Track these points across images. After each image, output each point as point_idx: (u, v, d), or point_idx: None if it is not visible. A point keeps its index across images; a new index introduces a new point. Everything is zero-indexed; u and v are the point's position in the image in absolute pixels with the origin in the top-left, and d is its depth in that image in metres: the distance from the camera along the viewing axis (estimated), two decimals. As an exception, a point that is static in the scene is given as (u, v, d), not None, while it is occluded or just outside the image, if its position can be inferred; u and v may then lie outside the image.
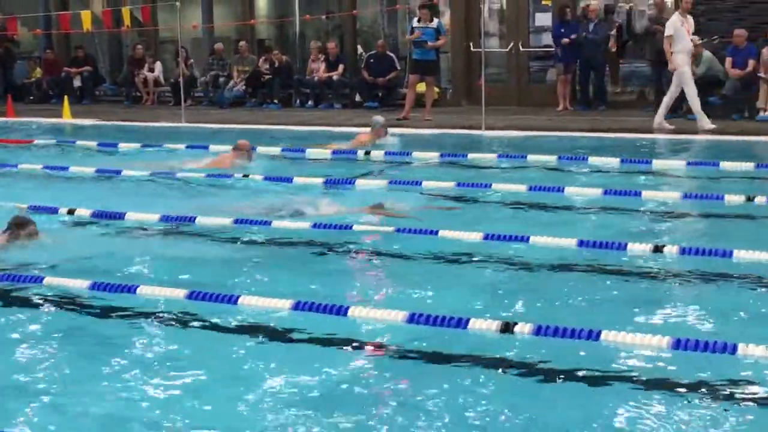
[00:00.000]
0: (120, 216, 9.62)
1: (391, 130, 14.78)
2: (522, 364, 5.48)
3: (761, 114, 16.70)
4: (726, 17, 18.32)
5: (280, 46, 22.51)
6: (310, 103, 21.00)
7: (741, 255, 7.50)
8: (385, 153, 13.67)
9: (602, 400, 4.95)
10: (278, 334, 6.12)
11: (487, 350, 5.70)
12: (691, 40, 16.07)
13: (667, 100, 15.93)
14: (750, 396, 4.88)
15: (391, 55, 19.87)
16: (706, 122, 15.54)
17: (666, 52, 15.78)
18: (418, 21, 18.20)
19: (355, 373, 5.45)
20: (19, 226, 8.46)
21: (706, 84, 17.22)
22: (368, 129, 14.82)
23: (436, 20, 18.53)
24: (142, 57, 22.94)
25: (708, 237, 8.90)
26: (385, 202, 9.88)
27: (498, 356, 5.61)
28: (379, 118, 14.96)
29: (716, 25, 18.29)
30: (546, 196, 10.49)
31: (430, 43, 17.88)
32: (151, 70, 22.69)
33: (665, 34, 15.80)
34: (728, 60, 17.29)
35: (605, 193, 10.41)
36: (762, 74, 16.89)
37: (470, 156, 13.36)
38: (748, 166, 12.00)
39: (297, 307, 6.39)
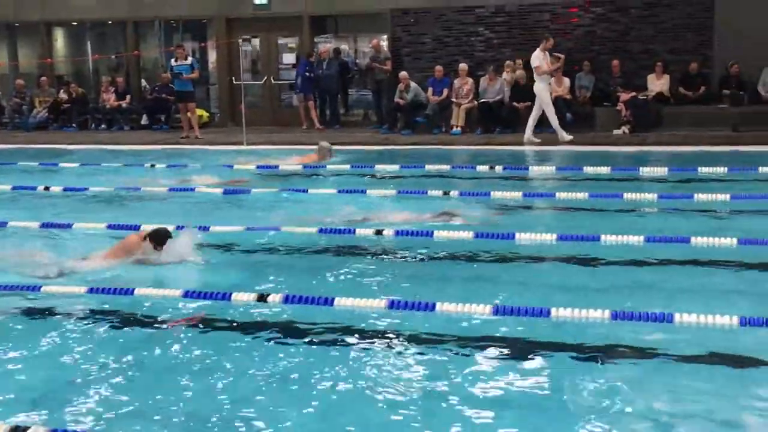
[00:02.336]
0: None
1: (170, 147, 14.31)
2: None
3: (454, 129, 17.22)
4: (426, 56, 18.84)
5: (76, 79, 21.52)
6: (103, 126, 20.10)
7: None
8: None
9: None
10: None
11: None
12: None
13: (531, 120, 15.51)
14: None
15: (172, 86, 19.26)
16: (564, 135, 15.26)
17: (538, 77, 15.21)
18: (175, 60, 17.68)
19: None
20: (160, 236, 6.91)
21: (414, 107, 17.64)
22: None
23: (190, 58, 18.07)
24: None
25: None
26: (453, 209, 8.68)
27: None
28: (325, 144, 13.37)
29: (419, 63, 18.80)
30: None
31: (185, 76, 17.39)
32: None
33: (534, 65, 15.26)
34: (429, 89, 17.74)
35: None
36: (454, 99, 17.41)
37: (236, 166, 12.98)
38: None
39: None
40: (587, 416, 4.02)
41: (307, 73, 18.49)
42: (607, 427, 3.91)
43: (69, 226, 8.38)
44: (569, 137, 15.18)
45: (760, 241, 7.03)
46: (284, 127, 18.80)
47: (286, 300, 5.77)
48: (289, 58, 20.10)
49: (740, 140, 14.50)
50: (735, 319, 5.16)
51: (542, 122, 15.50)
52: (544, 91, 15.23)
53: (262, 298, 5.79)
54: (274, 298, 5.79)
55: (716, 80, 17.10)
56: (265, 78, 20.02)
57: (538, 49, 15.28)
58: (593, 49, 17.91)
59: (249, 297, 5.84)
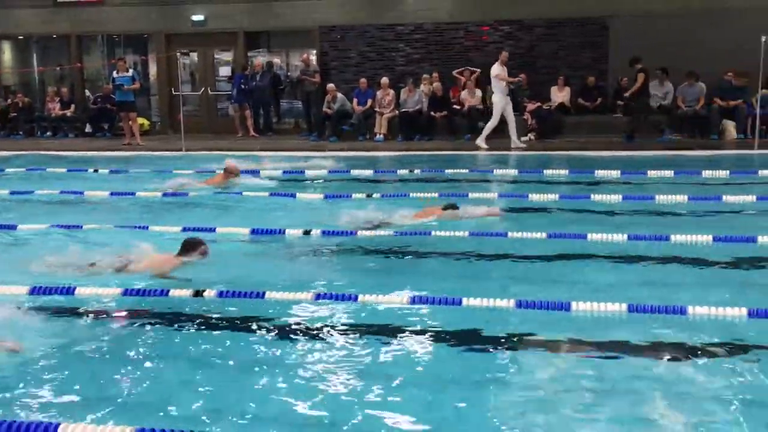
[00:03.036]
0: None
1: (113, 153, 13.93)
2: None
3: (377, 136, 17.27)
4: (351, 70, 18.86)
5: (23, 90, 20.92)
6: (48, 133, 19.57)
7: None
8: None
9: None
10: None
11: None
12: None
13: (488, 127, 15.41)
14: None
15: (113, 96, 18.84)
16: (518, 142, 15.33)
17: (497, 86, 15.14)
18: (117, 72, 17.38)
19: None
20: (192, 247, 6.63)
21: (340, 116, 17.64)
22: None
23: (131, 70, 17.80)
24: None
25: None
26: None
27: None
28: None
29: (346, 76, 18.81)
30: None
31: (126, 87, 17.11)
32: None
33: (494, 74, 15.17)
34: (355, 100, 17.75)
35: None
36: (377, 109, 17.47)
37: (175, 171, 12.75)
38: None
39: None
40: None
41: (242, 85, 18.34)
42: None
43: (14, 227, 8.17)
44: (523, 144, 15.36)
45: (648, 236, 7.23)
46: (221, 135, 18.57)
47: (221, 294, 5.73)
48: (225, 71, 19.94)
49: (632, 146, 14.92)
50: (624, 306, 5.30)
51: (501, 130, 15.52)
52: (499, 102, 15.32)
53: (198, 293, 5.73)
54: (210, 293, 5.73)
55: (611, 92, 17.53)
56: (203, 89, 19.76)
57: (497, 62, 15.38)
58: (502, 64, 18.15)
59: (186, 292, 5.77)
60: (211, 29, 19.39)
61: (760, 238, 7.02)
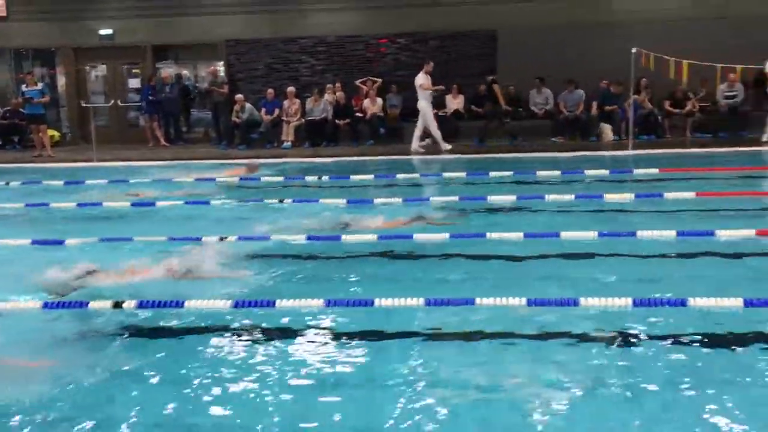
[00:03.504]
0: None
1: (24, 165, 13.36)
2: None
3: (285, 143, 17.12)
4: (258, 81, 18.66)
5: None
6: (-41, 146, 18.63)
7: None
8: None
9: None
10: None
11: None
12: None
13: (417, 132, 15.51)
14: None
15: (23, 110, 18.05)
16: (444, 146, 15.35)
17: (422, 94, 15.32)
18: (26, 85, 16.72)
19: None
20: None
21: (249, 125, 17.41)
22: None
23: (40, 84, 17.18)
24: None
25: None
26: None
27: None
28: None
29: (253, 87, 18.59)
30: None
31: (35, 100, 16.46)
32: None
33: (419, 83, 15.29)
34: (263, 109, 17.57)
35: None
36: (284, 118, 17.33)
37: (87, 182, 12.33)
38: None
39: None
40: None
41: (151, 96, 17.91)
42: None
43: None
44: (449, 146, 15.42)
45: (540, 234, 7.38)
46: (132, 145, 18.07)
47: (140, 305, 5.55)
48: (134, 83, 19.37)
49: (520, 149, 15.29)
50: (524, 300, 5.38)
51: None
52: (426, 107, 15.40)
53: (118, 305, 5.54)
54: (129, 304, 5.55)
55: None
56: (113, 101, 19.20)
57: (421, 72, 15.46)
58: (400, 73, 18.29)
59: (106, 304, 5.56)
60: (119, 43, 18.85)
61: (639, 233, 7.27)
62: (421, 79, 15.41)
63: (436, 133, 15.58)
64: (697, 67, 14.74)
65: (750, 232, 7.07)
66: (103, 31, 18.67)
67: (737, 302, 5.21)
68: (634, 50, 14.11)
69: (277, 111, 17.43)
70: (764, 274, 6.19)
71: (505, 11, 17.81)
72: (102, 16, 18.80)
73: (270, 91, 17.60)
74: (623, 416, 3.78)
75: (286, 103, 17.37)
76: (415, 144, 15.55)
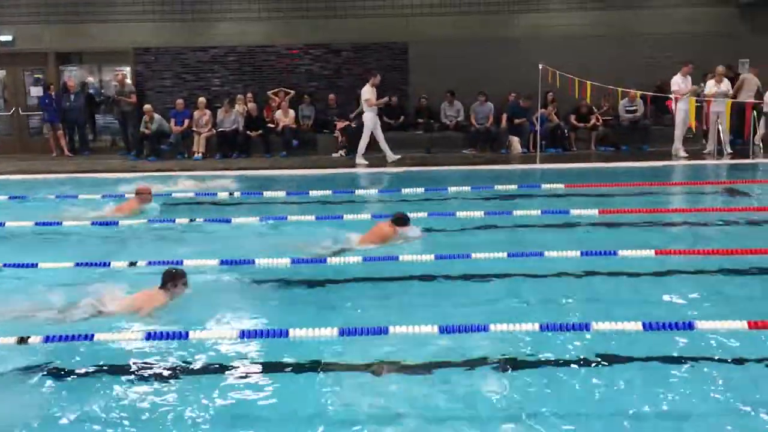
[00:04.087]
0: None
1: None
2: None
3: (196, 155, 16.83)
4: (168, 90, 18.34)
5: None
6: None
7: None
8: None
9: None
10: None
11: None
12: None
13: (361, 144, 15.30)
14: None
15: None
16: (391, 156, 15.30)
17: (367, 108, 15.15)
18: None
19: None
20: (175, 278, 6.18)
21: (158, 136, 17.07)
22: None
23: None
24: None
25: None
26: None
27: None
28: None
29: (162, 97, 18.24)
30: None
31: None
32: None
33: (365, 98, 15.11)
34: (172, 120, 17.26)
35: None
36: (195, 129, 17.05)
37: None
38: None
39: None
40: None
41: (54, 105, 17.36)
42: None
43: None
44: (397, 157, 15.39)
45: (448, 255, 7.46)
46: (35, 155, 17.45)
47: (47, 340, 5.39)
48: (36, 91, 18.64)
49: (433, 161, 15.50)
50: (435, 328, 5.46)
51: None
52: (370, 120, 15.31)
53: (22, 340, 5.36)
54: (35, 339, 5.38)
55: (412, 111, 18.12)
56: (13, 109, 18.49)
57: (367, 84, 15.36)
58: (312, 84, 18.31)
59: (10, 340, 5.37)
60: (20, 49, 18.17)
61: (546, 253, 7.46)
62: (367, 94, 15.37)
63: (384, 144, 15.55)
64: (597, 81, 15.30)
65: (650, 252, 7.37)
66: (2, 37, 17.97)
67: (637, 326, 5.40)
68: (540, 66, 14.52)
69: (187, 122, 17.15)
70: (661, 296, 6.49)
71: (416, 24, 18.07)
72: (3, 21, 18.08)
73: (180, 101, 17.32)
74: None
75: (196, 113, 17.11)
76: (359, 157, 15.45)
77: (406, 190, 11.50)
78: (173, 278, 6.21)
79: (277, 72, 18.36)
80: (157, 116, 16.96)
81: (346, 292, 6.71)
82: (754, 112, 15.42)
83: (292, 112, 17.33)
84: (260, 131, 17.08)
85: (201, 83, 18.30)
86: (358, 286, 6.82)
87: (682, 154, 15.24)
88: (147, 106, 16.99)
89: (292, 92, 17.49)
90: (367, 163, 15.27)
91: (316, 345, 5.28)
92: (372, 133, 15.42)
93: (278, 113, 17.32)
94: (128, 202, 10.54)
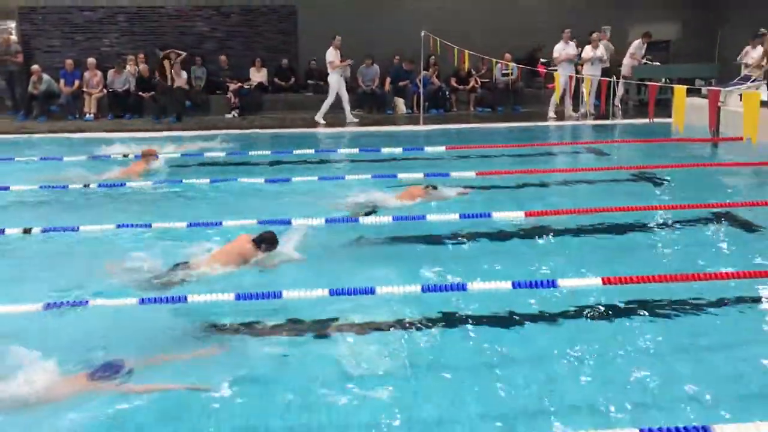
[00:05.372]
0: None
1: None
2: None
3: (87, 115, 16.11)
4: (57, 50, 17.41)
5: None
6: None
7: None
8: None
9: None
10: None
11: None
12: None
13: (325, 104, 15.07)
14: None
15: None
16: (350, 118, 15.25)
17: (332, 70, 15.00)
18: None
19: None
20: (272, 244, 6.08)
21: (48, 96, 16.23)
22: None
23: None
24: None
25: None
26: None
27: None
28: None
29: (52, 57, 17.30)
30: None
31: None
32: None
33: (329, 60, 14.92)
34: (62, 80, 16.44)
35: None
36: (85, 89, 16.34)
37: None
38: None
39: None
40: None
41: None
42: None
43: None
44: (356, 119, 15.33)
45: (338, 219, 7.53)
46: None
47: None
48: None
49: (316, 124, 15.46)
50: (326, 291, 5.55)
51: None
52: (335, 81, 15.04)
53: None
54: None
55: (303, 74, 17.94)
56: None
57: (330, 47, 15.02)
58: (204, 46, 17.82)
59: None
60: None
61: (428, 216, 7.63)
62: (331, 56, 15.07)
63: (346, 105, 15.41)
64: (478, 48, 15.58)
65: (520, 214, 7.67)
66: None
67: (507, 285, 5.62)
68: (423, 33, 14.63)
69: (77, 82, 16.39)
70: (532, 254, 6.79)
71: (305, -12, 17.79)
72: None
73: (69, 61, 16.49)
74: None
75: (87, 74, 16.36)
76: (348, 114, 15.41)
77: (297, 151, 11.49)
78: (271, 243, 6.13)
79: (168, 33, 17.74)
80: (45, 77, 16.11)
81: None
82: (613, 76, 16.11)
83: (184, 74, 16.83)
84: (152, 92, 16.52)
85: (91, 44, 17.50)
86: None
87: (552, 115, 15.77)
88: (34, 67, 16.11)
89: (184, 54, 16.97)
90: (325, 122, 15.10)
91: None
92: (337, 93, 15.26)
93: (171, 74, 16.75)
94: (136, 163, 10.38)
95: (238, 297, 5.37)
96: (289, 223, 7.19)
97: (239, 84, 16.85)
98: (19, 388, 4.00)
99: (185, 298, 5.36)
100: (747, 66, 14.22)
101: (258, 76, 17.45)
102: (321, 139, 13.64)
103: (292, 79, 17.69)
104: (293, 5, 17.92)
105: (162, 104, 16.07)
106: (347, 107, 15.47)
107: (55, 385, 4.05)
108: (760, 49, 14.14)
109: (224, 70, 17.29)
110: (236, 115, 16.34)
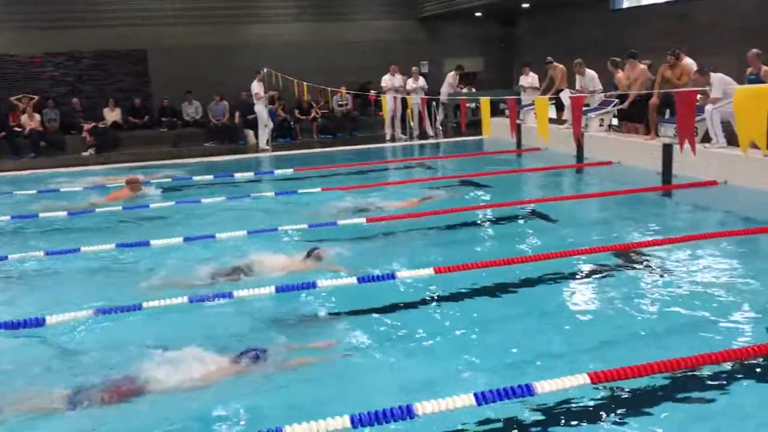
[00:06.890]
0: None
1: None
2: None
3: None
4: None
5: None
6: None
7: None
8: None
9: None
10: None
11: None
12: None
13: (262, 133, 15.17)
14: None
15: None
16: (263, 146, 15.10)
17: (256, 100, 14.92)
18: None
19: None
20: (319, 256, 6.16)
21: None
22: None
23: None
24: None
25: None
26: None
27: None
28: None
29: None
30: None
31: None
32: None
33: (254, 91, 14.87)
34: None
35: None
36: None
37: None
38: None
39: None
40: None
41: None
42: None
43: None
44: (268, 147, 15.02)
45: (197, 237, 7.25)
46: None
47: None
48: None
49: (179, 154, 14.91)
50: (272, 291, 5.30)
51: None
52: (261, 111, 15.01)
53: None
54: None
55: (156, 111, 17.28)
56: None
57: (255, 80, 14.84)
58: (56, 90, 16.75)
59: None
60: None
61: (280, 227, 7.51)
62: (256, 88, 14.92)
63: (266, 134, 15.28)
64: (316, 82, 15.68)
65: (362, 220, 7.72)
66: None
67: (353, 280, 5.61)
68: (264, 70, 14.54)
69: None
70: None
71: (154, 32, 17.22)
72: None
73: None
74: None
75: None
76: (262, 142, 15.28)
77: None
78: (318, 256, 6.21)
79: (20, 79, 16.53)
80: None
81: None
82: (434, 102, 16.69)
83: (37, 116, 15.69)
84: (5, 134, 15.26)
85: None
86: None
87: (388, 137, 16.08)
88: None
89: (36, 98, 15.82)
90: (270, 148, 15.01)
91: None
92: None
93: (24, 118, 15.61)
94: (121, 190, 9.89)
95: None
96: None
97: (93, 123, 15.94)
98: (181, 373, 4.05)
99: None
100: (524, 89, 15.02)
101: (112, 115, 16.60)
102: (182, 166, 13.13)
103: (146, 117, 16.97)
104: (144, 49, 17.24)
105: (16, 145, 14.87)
106: (266, 136, 15.36)
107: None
108: (533, 75, 14.95)
109: (78, 111, 16.30)
110: (93, 152, 15.43)
